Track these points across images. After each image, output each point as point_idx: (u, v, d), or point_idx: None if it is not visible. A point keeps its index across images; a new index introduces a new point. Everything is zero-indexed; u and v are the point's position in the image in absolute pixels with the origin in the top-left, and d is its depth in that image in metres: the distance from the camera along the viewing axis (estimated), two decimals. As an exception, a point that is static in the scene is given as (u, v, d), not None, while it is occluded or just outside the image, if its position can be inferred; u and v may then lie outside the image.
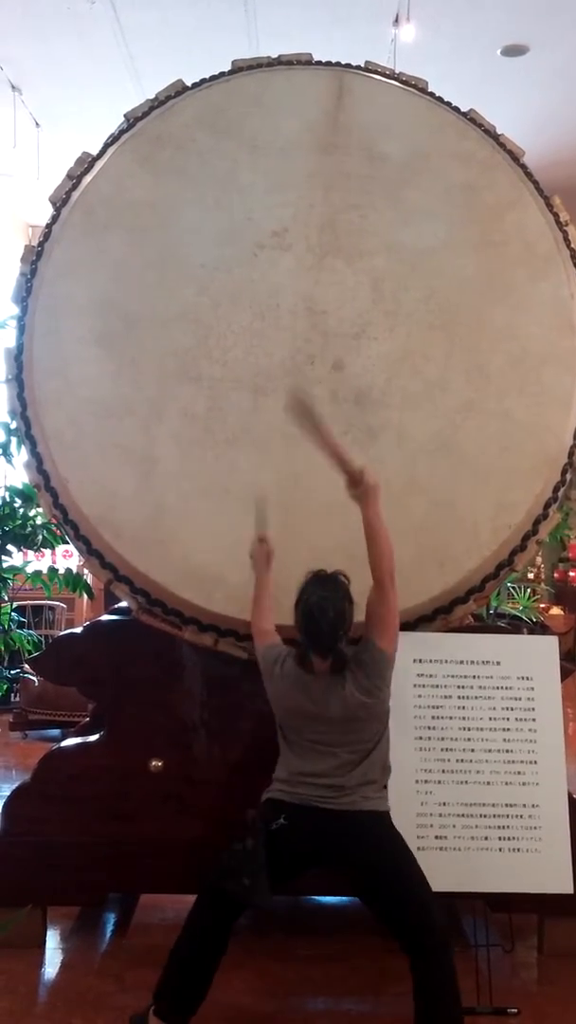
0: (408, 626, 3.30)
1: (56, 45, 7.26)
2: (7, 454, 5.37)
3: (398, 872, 2.92)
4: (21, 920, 3.51)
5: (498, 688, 3.42)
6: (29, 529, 5.52)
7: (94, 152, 3.80)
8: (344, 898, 3.91)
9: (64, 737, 4.35)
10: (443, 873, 3.22)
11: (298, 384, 3.24)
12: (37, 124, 8.41)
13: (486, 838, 3.29)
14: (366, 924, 3.06)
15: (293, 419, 3.10)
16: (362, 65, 3.93)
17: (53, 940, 3.78)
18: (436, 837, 3.28)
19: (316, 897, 4.08)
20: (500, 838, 3.29)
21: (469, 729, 3.38)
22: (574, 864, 3.29)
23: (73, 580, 5.59)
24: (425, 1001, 2.82)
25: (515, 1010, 3.24)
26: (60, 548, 6.32)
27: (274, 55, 3.93)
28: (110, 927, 3.94)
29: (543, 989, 3.52)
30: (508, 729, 3.38)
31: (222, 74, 3.86)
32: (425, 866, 2.99)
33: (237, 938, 3.00)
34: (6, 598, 6.16)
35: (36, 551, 5.78)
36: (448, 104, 3.86)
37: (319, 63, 3.90)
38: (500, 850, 3.28)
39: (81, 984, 3.45)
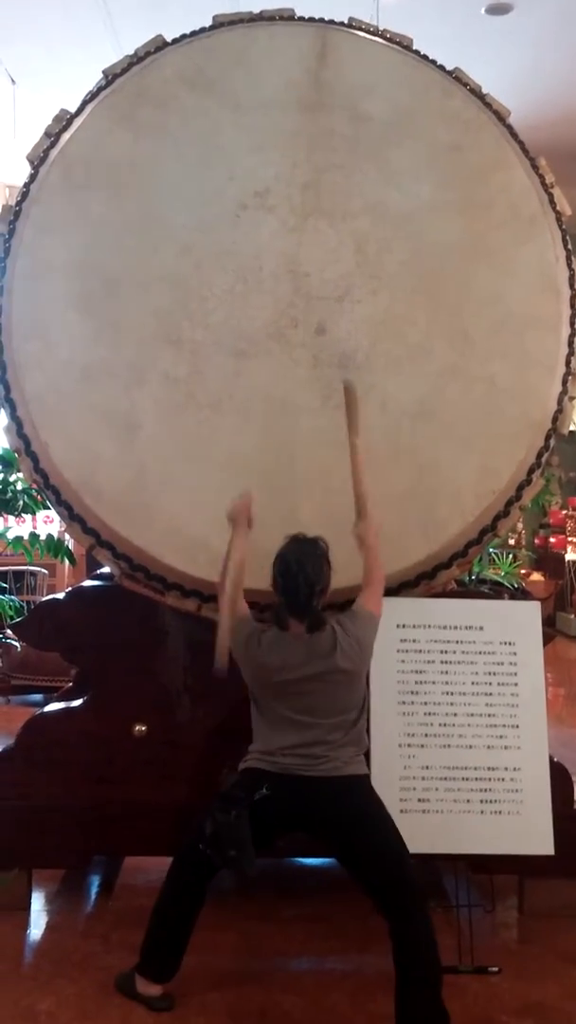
0: (391, 591, 3.29)
1: (32, 0, 7.10)
2: (-14, 418, 5.32)
3: (377, 832, 2.94)
4: (7, 883, 3.54)
5: (481, 653, 3.43)
6: (10, 494, 5.49)
7: (72, 109, 3.72)
8: (327, 859, 3.95)
9: (47, 702, 4.34)
10: (425, 835, 3.25)
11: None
12: (13, 81, 8.23)
13: (468, 801, 3.32)
14: (349, 884, 3.08)
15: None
16: (345, 21, 3.85)
17: (38, 902, 3.80)
18: (419, 800, 3.30)
19: (299, 859, 4.12)
20: (482, 801, 3.32)
21: (452, 694, 3.39)
22: (555, 826, 3.33)
23: (55, 546, 5.57)
24: (405, 961, 2.85)
25: (496, 968, 3.29)
26: (41, 513, 6.28)
27: (255, 10, 3.84)
28: (95, 889, 3.96)
29: (523, 948, 3.56)
30: (490, 694, 3.40)
31: (203, 30, 3.77)
32: (408, 828, 3.01)
33: (222, 901, 3.02)
34: (-13, 563, 6.14)
35: (17, 516, 5.75)
36: (433, 62, 3.79)
37: (302, 19, 3.81)
38: (482, 812, 3.31)
39: (67, 945, 3.47)
